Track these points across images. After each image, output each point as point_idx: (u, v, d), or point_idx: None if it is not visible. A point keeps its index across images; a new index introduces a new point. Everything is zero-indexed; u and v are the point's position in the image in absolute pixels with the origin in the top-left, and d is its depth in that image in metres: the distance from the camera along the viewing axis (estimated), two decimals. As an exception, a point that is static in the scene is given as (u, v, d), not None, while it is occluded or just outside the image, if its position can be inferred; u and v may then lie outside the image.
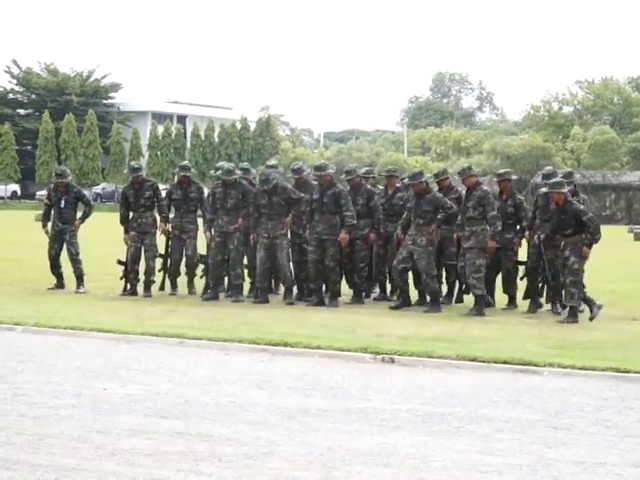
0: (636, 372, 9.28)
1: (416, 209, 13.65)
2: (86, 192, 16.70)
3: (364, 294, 14.79)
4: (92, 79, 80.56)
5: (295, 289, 14.67)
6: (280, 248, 14.27)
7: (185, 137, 75.09)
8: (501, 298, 14.21)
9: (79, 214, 15.69)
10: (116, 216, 15.95)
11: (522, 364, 9.58)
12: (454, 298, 14.64)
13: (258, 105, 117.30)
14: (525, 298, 13.92)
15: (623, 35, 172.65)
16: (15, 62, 79.24)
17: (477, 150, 72.15)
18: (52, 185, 15.90)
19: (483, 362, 9.73)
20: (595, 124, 71.98)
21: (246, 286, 15.09)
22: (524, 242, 14.08)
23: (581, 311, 12.94)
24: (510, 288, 14.15)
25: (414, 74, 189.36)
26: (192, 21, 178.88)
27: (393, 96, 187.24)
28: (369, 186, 14.92)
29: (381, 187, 15.59)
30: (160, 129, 74.04)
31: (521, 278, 13.94)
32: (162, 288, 15.30)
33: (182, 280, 15.41)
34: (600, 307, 12.82)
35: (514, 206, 13.99)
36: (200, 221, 15.40)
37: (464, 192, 13.96)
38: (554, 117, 76.67)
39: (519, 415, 7.64)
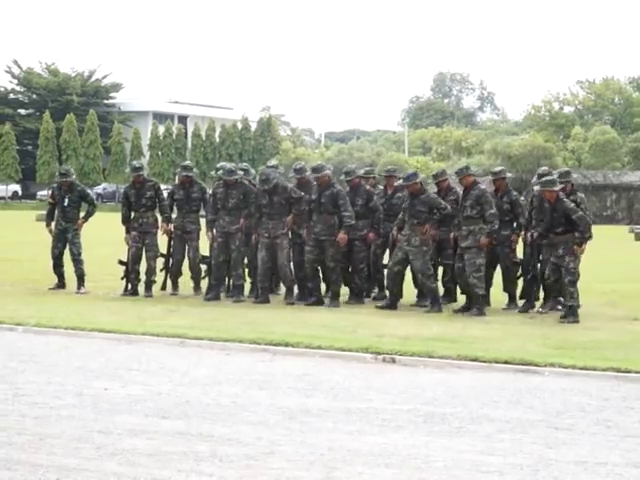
0: (637, 372, 9.28)
1: (410, 209, 13.66)
2: (89, 191, 16.66)
3: (364, 294, 14.80)
4: (93, 79, 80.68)
5: (296, 289, 14.68)
6: (281, 248, 14.27)
7: (186, 137, 75.14)
8: (500, 297, 14.21)
9: (82, 214, 15.71)
10: (117, 216, 15.96)
11: (523, 364, 9.58)
12: (455, 297, 14.62)
13: (259, 105, 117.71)
14: (522, 298, 13.94)
15: (624, 35, 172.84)
16: (16, 62, 79.44)
17: (478, 150, 72.25)
18: (56, 184, 15.92)
19: (484, 362, 9.73)
20: (596, 124, 72.06)
21: (246, 286, 15.10)
22: (521, 240, 14.08)
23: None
24: (510, 287, 14.15)
25: (415, 74, 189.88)
26: (193, 21, 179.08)
27: (394, 96, 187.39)
28: (368, 187, 14.93)
29: (381, 187, 15.60)
30: (161, 129, 74.11)
31: (517, 277, 13.97)
32: (163, 288, 15.30)
33: (183, 280, 15.42)
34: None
35: (510, 203, 14.00)
36: (203, 221, 15.40)
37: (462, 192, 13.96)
38: (555, 117, 76.75)
39: (520, 415, 7.64)
